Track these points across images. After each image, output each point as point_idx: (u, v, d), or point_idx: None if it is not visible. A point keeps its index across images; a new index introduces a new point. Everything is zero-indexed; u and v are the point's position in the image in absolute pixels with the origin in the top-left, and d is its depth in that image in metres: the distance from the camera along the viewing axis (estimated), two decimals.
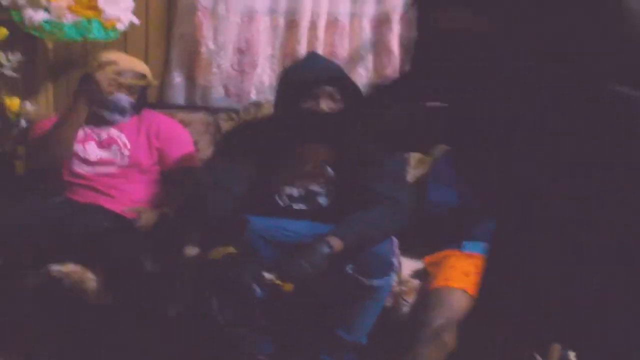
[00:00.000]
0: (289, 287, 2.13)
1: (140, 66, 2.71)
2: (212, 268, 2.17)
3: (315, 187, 2.44)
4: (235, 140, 2.52)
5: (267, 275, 2.14)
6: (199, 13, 2.92)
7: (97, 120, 2.66)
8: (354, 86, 2.44)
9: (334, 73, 2.43)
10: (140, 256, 2.32)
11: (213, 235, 2.26)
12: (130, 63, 2.67)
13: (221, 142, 2.58)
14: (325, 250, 2.16)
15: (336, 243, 2.18)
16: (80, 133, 2.64)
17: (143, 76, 2.68)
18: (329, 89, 2.34)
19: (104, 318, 2.35)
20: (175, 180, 2.70)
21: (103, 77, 2.56)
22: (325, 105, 2.33)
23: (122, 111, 2.66)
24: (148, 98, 2.79)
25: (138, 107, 2.70)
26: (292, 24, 2.99)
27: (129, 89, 2.63)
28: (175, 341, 2.40)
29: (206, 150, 2.86)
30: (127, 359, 2.35)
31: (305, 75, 2.37)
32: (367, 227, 2.26)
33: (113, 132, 2.67)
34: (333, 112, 2.34)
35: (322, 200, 2.44)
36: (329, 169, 2.43)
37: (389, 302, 2.36)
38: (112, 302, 2.33)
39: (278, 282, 2.14)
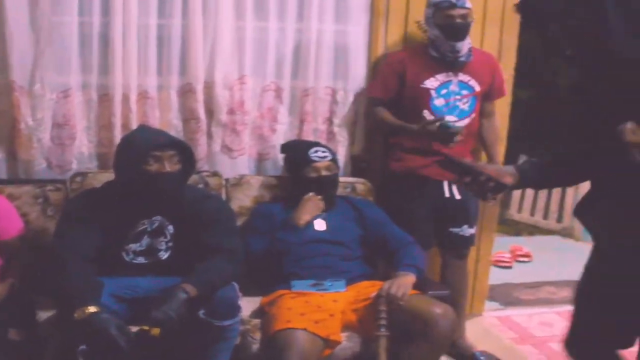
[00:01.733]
0: (156, 331, 2.27)
1: None
2: (80, 327, 2.26)
3: (156, 243, 2.69)
4: (80, 208, 2.65)
5: (133, 328, 2.35)
6: (15, 93, 3.02)
7: None
8: (189, 150, 2.71)
9: (173, 138, 2.70)
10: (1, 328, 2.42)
11: (70, 298, 2.34)
12: None
13: (67, 211, 2.68)
14: (183, 296, 2.33)
15: (191, 289, 2.36)
16: None
17: None
18: (170, 152, 2.60)
19: None
20: (8, 251, 2.74)
21: None
22: (168, 166, 2.58)
23: None
24: None
25: None
26: (105, 98, 3.16)
27: None
28: None
29: (37, 221, 2.97)
30: None
31: (148, 141, 2.59)
32: (213, 275, 2.49)
33: None
34: (174, 172, 2.60)
35: (162, 255, 2.69)
36: (170, 226, 2.69)
37: (238, 340, 2.63)
38: None
39: (146, 328, 2.29)
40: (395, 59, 3.33)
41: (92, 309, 2.28)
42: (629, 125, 1.67)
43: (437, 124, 3.02)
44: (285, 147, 3.27)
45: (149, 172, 2.57)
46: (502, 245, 5.41)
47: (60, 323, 2.49)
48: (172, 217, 2.70)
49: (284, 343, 2.49)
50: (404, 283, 2.70)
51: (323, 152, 3.06)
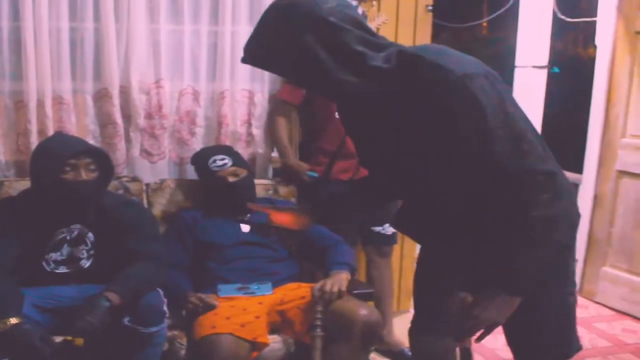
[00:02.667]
0: (79, 341, 2.26)
1: None
2: (1, 340, 2.21)
3: (77, 252, 2.65)
4: None
5: (57, 339, 2.32)
6: None
7: None
8: (106, 157, 2.68)
9: (88, 146, 2.67)
10: None
11: None
12: None
13: None
14: (106, 304, 2.31)
15: (114, 297, 2.34)
16: None
17: None
18: (86, 160, 2.57)
19: None
20: None
21: None
22: (85, 174, 2.56)
23: None
24: None
25: None
26: (19, 105, 3.10)
27: None
28: None
29: None
30: None
31: (63, 149, 2.55)
32: (137, 281, 2.47)
33: None
34: (91, 180, 2.57)
35: (84, 263, 2.65)
36: (90, 234, 2.66)
37: (166, 346, 2.62)
38: None
39: (70, 338, 2.27)
40: None
41: (13, 320, 2.24)
42: None
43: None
44: (193, 160, 3.26)
45: (65, 180, 2.54)
46: None
47: None
48: (92, 224, 2.67)
49: (209, 349, 2.49)
50: (339, 280, 2.74)
51: (222, 159, 3.05)
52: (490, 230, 1.78)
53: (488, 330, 1.80)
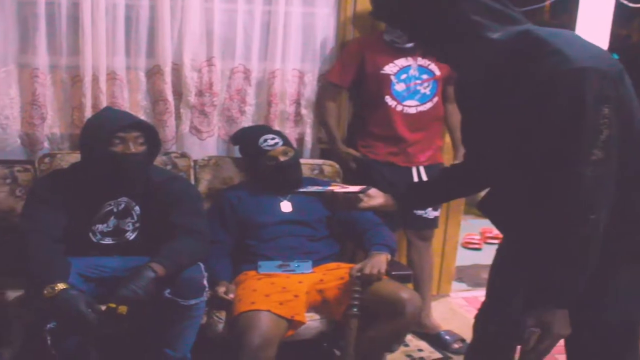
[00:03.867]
0: (123, 309, 2.31)
1: None
2: (49, 304, 2.29)
3: (123, 224, 2.71)
4: (46, 188, 2.66)
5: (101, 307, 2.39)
6: None
7: None
8: (154, 131, 2.73)
9: (136, 120, 2.71)
10: None
11: (38, 276, 2.37)
12: None
13: (33, 191, 2.69)
14: (151, 274, 2.38)
15: (159, 268, 2.41)
16: None
17: None
18: (135, 133, 2.62)
19: None
20: None
21: None
22: (133, 147, 2.61)
23: None
24: None
25: None
26: (75, 79, 3.17)
27: None
28: None
29: (6, 201, 2.97)
30: None
31: (113, 123, 2.61)
32: (180, 255, 2.53)
33: None
34: (139, 153, 2.63)
35: (129, 235, 2.72)
36: (137, 207, 2.72)
37: (204, 320, 2.68)
38: None
39: (113, 305, 2.32)
40: (354, 47, 3.39)
41: (61, 286, 2.31)
42: None
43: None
44: (235, 139, 3.30)
45: (114, 152, 2.59)
46: (473, 227, 5.49)
47: (28, 302, 2.52)
48: (139, 198, 2.73)
49: (247, 324, 2.53)
50: (378, 261, 2.75)
51: (272, 139, 3.07)
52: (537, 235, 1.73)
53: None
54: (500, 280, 2.10)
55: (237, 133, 3.33)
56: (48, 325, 2.36)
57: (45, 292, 2.29)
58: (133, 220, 2.72)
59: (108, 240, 2.70)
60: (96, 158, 2.63)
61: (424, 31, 1.74)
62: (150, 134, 2.70)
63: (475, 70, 1.77)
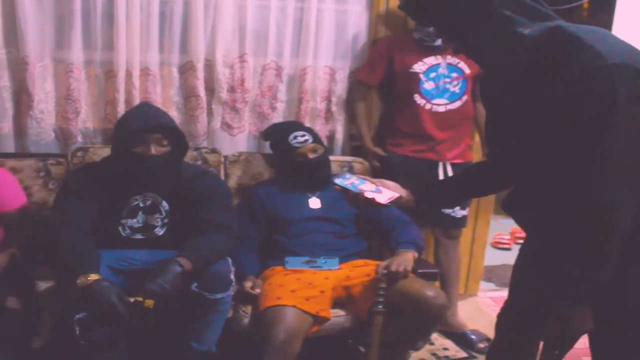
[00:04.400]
0: (150, 303, 2.34)
1: None
2: (82, 295, 2.32)
3: (152, 220, 2.75)
4: (78, 181, 2.71)
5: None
6: (26, 67, 3.07)
7: None
8: (179, 132, 2.75)
9: (160, 121, 2.71)
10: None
11: (71, 267, 2.41)
12: None
13: (65, 184, 2.74)
14: (178, 269, 2.41)
15: (186, 263, 2.43)
16: None
17: None
18: (157, 135, 2.65)
19: None
20: (9, 222, 2.82)
21: None
22: (154, 149, 2.64)
23: None
24: None
25: None
26: (110, 74, 3.21)
27: None
28: None
29: (39, 193, 3.03)
30: None
31: (136, 124, 2.64)
32: (208, 250, 2.56)
33: None
34: (159, 155, 2.64)
35: (158, 231, 2.76)
36: (165, 203, 2.76)
37: (230, 314, 2.70)
38: None
39: (140, 298, 2.35)
40: (383, 45, 3.39)
41: (94, 276, 2.35)
42: None
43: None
44: (266, 135, 3.32)
45: (134, 153, 2.63)
46: (503, 227, 5.45)
47: (59, 293, 2.57)
48: (166, 194, 2.76)
49: (273, 319, 2.55)
50: (405, 259, 2.76)
51: (302, 136, 3.07)
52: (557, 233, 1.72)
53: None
54: (522, 278, 2.09)
55: (269, 129, 3.35)
56: (77, 316, 2.38)
57: (79, 282, 2.33)
58: (162, 216, 2.76)
59: (138, 236, 2.74)
60: (119, 156, 2.68)
61: (454, 26, 1.74)
62: (176, 135, 2.72)
63: (504, 66, 1.76)
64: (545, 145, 1.71)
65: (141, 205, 2.74)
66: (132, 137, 2.63)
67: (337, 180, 2.13)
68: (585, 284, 1.65)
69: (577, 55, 1.58)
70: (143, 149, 2.63)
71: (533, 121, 1.72)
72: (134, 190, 2.74)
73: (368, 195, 2.07)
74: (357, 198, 2.08)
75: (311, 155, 3.05)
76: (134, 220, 2.73)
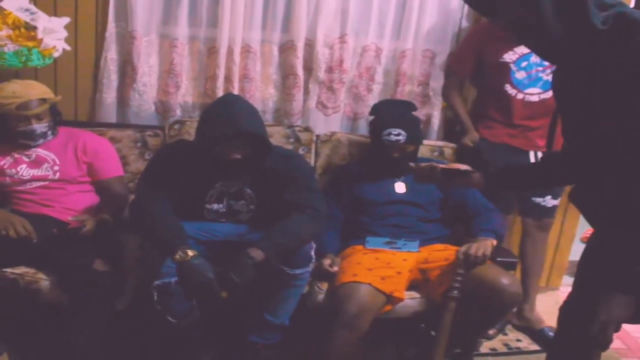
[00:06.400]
0: (224, 294, 2.35)
1: (38, 91, 2.86)
2: (180, 267, 2.34)
3: (237, 206, 2.73)
4: (170, 155, 2.71)
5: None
6: (130, 40, 3.20)
7: (23, 145, 2.90)
8: (259, 134, 2.60)
9: (242, 128, 2.55)
10: (88, 259, 2.61)
11: (166, 241, 2.43)
12: (27, 93, 2.82)
13: (158, 157, 2.77)
14: (249, 262, 2.35)
15: (258, 254, 2.37)
16: (9, 159, 2.89)
17: (44, 100, 2.86)
18: (235, 142, 2.55)
19: (57, 316, 2.56)
20: (106, 189, 2.96)
21: (9, 116, 2.82)
22: (235, 154, 2.57)
23: (40, 137, 2.90)
24: (60, 112, 2.98)
25: (54, 125, 2.95)
26: (212, 50, 3.29)
27: (37, 117, 2.85)
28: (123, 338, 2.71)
29: (135, 163, 3.15)
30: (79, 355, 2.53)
31: (218, 129, 2.53)
32: (287, 237, 2.48)
33: (41, 151, 2.92)
34: (237, 158, 2.57)
35: (243, 217, 2.74)
36: (249, 190, 2.72)
37: (306, 289, 2.72)
38: (64, 301, 2.54)
39: None
40: (474, 35, 3.30)
41: (191, 252, 2.37)
42: None
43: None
44: (373, 110, 3.19)
45: (215, 152, 2.58)
46: None
47: (143, 260, 2.67)
48: (250, 182, 2.72)
49: (346, 294, 2.57)
50: (484, 245, 2.71)
51: (397, 134, 2.96)
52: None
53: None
54: (584, 272, 2.04)
55: (379, 105, 3.21)
56: (156, 282, 2.46)
57: (177, 256, 2.35)
58: (246, 203, 2.73)
59: (222, 220, 2.74)
60: (200, 150, 2.64)
61: (535, 17, 1.67)
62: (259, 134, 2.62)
63: (578, 58, 1.70)
64: (615, 135, 1.66)
65: (225, 190, 2.72)
66: (212, 141, 2.57)
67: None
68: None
69: None
70: (223, 153, 2.58)
71: (605, 110, 1.68)
72: (219, 176, 2.70)
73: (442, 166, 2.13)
74: (431, 168, 2.13)
75: (396, 155, 2.98)
76: (220, 205, 2.73)
